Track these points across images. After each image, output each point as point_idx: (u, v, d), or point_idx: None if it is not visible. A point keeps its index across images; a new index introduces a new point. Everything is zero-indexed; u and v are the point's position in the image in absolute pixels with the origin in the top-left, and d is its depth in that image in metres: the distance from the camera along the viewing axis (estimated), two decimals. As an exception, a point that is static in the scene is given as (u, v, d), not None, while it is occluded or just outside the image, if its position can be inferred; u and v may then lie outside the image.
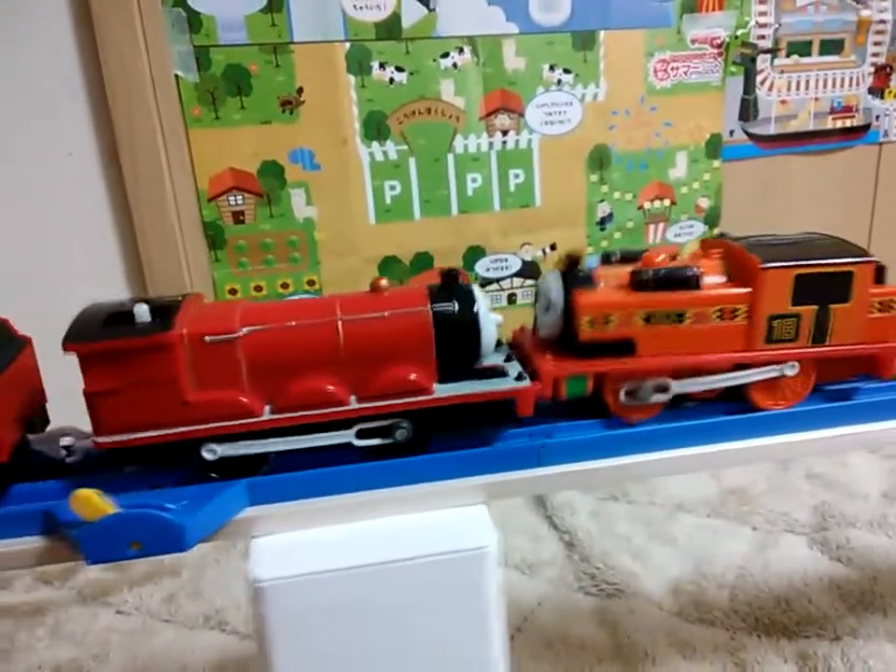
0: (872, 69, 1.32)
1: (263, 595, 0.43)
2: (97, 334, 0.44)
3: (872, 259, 0.52)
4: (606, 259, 0.56)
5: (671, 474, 0.53)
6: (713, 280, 0.52)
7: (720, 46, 1.23)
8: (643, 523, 1.03)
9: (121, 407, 0.45)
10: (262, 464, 0.48)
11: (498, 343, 0.53)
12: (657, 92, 1.22)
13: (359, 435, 0.48)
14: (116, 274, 1.11)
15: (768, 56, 1.26)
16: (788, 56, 1.27)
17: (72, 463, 0.50)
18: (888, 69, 1.33)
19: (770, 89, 1.28)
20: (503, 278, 1.26)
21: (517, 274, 1.26)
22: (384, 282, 0.49)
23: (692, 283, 0.51)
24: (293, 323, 0.47)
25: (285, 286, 1.16)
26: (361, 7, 1.07)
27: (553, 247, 1.26)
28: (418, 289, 0.49)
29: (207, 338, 0.45)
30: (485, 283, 1.25)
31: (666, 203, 1.29)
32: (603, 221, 1.27)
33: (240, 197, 1.11)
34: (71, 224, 1.07)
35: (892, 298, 0.52)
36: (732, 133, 1.29)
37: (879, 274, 0.52)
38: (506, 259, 1.25)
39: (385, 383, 0.47)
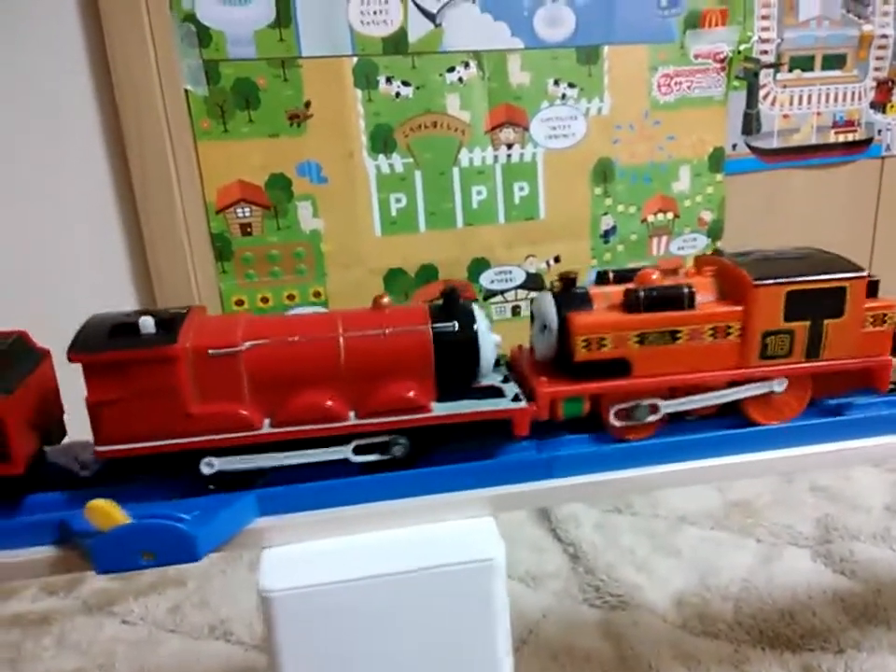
0: (874, 84, 1.33)
1: (273, 605, 0.44)
2: (102, 345, 0.44)
3: (864, 273, 0.52)
4: (601, 277, 0.56)
5: (678, 486, 0.53)
6: (706, 298, 0.52)
7: (723, 60, 1.24)
8: (647, 535, 1.03)
9: (124, 417, 0.45)
10: (260, 476, 0.48)
11: (497, 362, 0.54)
12: (661, 107, 1.23)
13: (357, 451, 0.49)
14: (124, 286, 1.12)
15: (771, 71, 1.27)
16: (790, 71, 1.29)
17: (86, 476, 0.51)
18: (889, 84, 1.34)
19: (773, 103, 1.30)
20: (507, 290, 1.27)
21: (521, 286, 1.27)
22: (385, 299, 0.50)
23: (684, 302, 0.51)
24: (295, 338, 0.47)
25: (291, 297, 1.17)
26: (368, 23, 1.09)
27: (556, 260, 1.27)
28: (419, 308, 0.50)
29: (210, 351, 0.46)
30: (490, 295, 1.26)
31: (670, 216, 1.30)
32: (607, 234, 1.28)
33: (247, 209, 1.12)
34: (81, 235, 1.08)
35: (886, 312, 0.53)
36: (735, 146, 1.30)
37: (872, 288, 0.53)
38: (510, 272, 1.26)
39: (383, 399, 0.48)
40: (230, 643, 0.87)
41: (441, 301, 0.51)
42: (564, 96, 1.19)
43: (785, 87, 1.29)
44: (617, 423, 0.52)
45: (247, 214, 1.12)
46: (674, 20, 1.20)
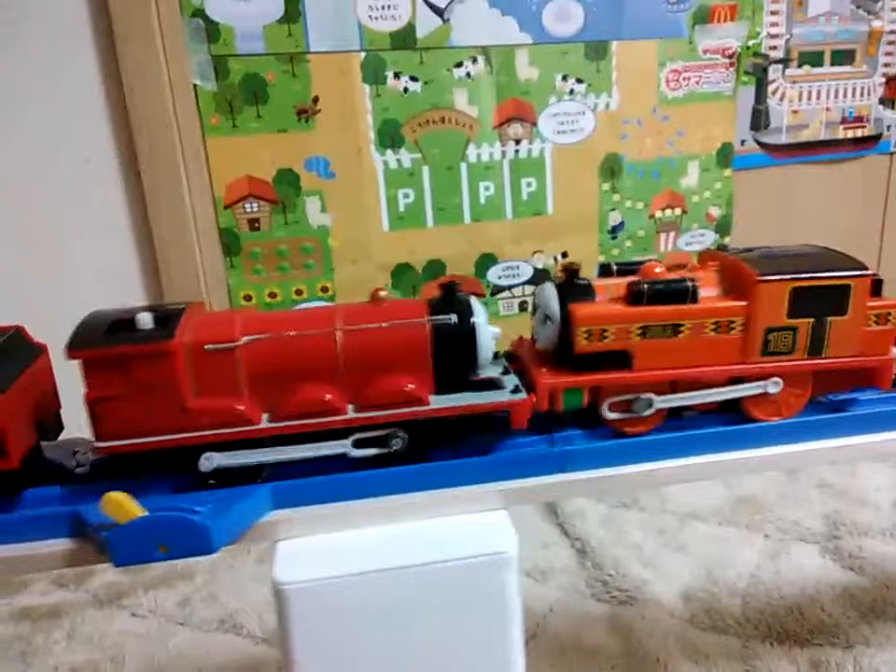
0: (883, 79, 1.33)
1: (287, 598, 0.44)
2: (100, 341, 0.45)
3: (869, 272, 0.52)
4: (604, 270, 0.56)
5: (695, 481, 0.53)
6: (709, 293, 0.52)
7: (731, 56, 1.24)
8: (655, 530, 1.03)
9: (122, 413, 0.45)
10: (260, 471, 0.48)
11: (497, 355, 0.53)
12: (669, 102, 1.23)
13: (356, 444, 0.49)
14: (134, 281, 1.12)
15: (780, 66, 1.27)
16: (799, 66, 1.28)
17: (81, 473, 0.50)
18: (899, 79, 1.33)
19: (781, 99, 1.29)
20: (515, 286, 1.27)
21: (529, 282, 1.27)
22: (383, 292, 0.50)
23: (687, 296, 0.51)
24: (292, 333, 0.47)
25: (299, 292, 1.17)
26: (376, 18, 1.09)
27: (564, 255, 1.27)
28: (417, 301, 0.50)
29: (207, 346, 0.46)
30: (497, 290, 1.26)
31: (678, 211, 1.30)
32: (614, 230, 1.28)
33: (255, 204, 1.12)
34: (90, 230, 1.09)
35: (889, 310, 0.52)
36: (743, 142, 1.29)
37: (876, 287, 0.53)
38: (518, 267, 1.26)
39: (381, 393, 0.48)
40: (239, 636, 0.87)
41: (439, 295, 0.51)
42: (572, 91, 1.19)
43: (794, 82, 1.29)
44: (613, 415, 0.52)
45: (255, 209, 1.12)
46: (682, 15, 1.20)
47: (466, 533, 0.47)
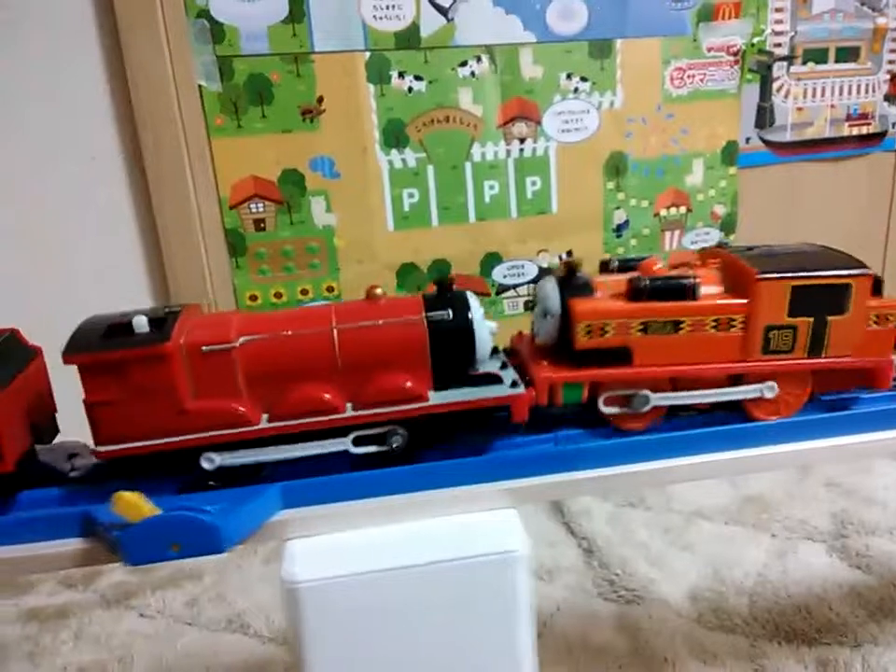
0: (888, 76, 1.33)
1: (298, 596, 0.44)
2: (96, 345, 0.45)
3: (869, 271, 0.51)
4: (604, 266, 0.56)
5: (707, 478, 0.53)
6: (710, 290, 0.52)
7: (736, 53, 1.24)
8: (661, 529, 1.03)
9: (121, 417, 0.45)
10: (260, 470, 0.49)
11: (495, 350, 0.53)
12: (673, 100, 1.23)
13: (356, 442, 0.48)
14: (140, 282, 1.12)
15: (784, 63, 1.27)
16: (804, 63, 1.28)
17: (76, 477, 0.51)
18: (904, 76, 1.33)
19: (786, 96, 1.29)
20: (520, 285, 1.26)
21: (534, 281, 1.26)
22: (378, 290, 0.50)
23: (688, 293, 0.51)
24: (289, 332, 0.47)
25: (304, 292, 1.18)
26: (381, 18, 1.09)
27: (569, 254, 1.27)
28: (413, 298, 0.50)
29: (204, 348, 0.46)
30: (502, 289, 1.26)
31: (682, 210, 1.29)
32: (619, 228, 1.27)
33: (261, 205, 1.12)
34: (96, 231, 1.09)
35: (889, 310, 0.52)
36: (748, 140, 1.29)
37: (877, 287, 0.52)
38: (522, 266, 1.26)
39: (379, 390, 0.48)
40: (247, 636, 0.87)
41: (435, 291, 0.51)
42: (576, 90, 1.19)
43: (799, 80, 1.28)
44: (610, 410, 0.52)
45: (261, 209, 1.12)
46: (687, 13, 1.20)
47: (476, 532, 0.47)
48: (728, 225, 1.32)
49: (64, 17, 1.00)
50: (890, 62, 1.32)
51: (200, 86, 1.05)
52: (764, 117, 1.29)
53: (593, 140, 1.22)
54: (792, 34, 1.26)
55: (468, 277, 1.23)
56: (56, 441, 0.52)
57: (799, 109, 1.30)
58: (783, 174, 1.32)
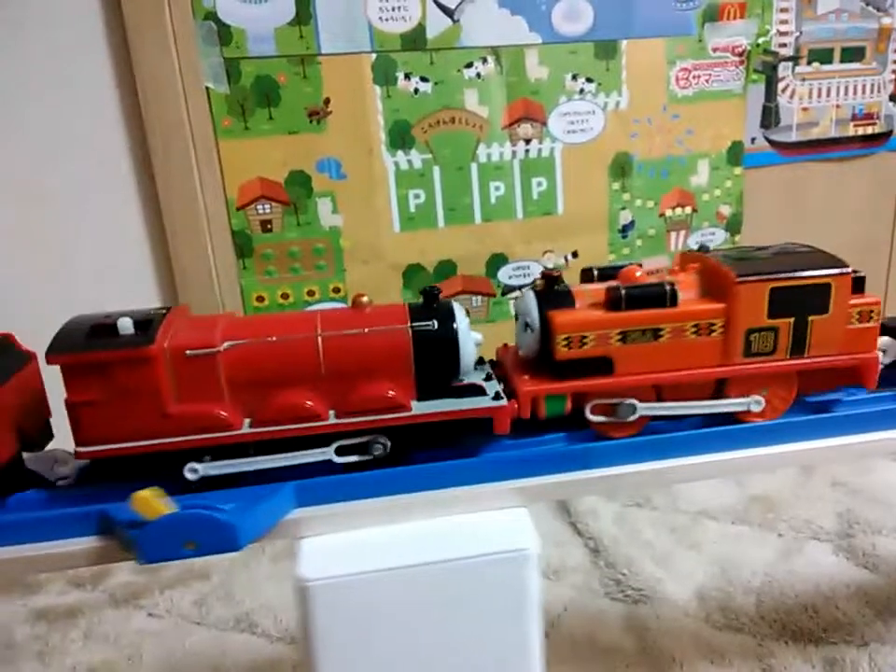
0: (893, 76, 1.33)
1: (309, 595, 0.44)
2: (80, 346, 0.44)
3: (849, 269, 0.51)
4: (586, 275, 0.56)
5: (715, 478, 0.54)
6: (689, 295, 0.52)
7: (741, 54, 1.24)
8: (668, 529, 1.03)
9: (103, 418, 0.45)
10: (243, 475, 0.48)
11: (480, 361, 0.54)
12: (679, 100, 1.23)
13: (339, 452, 0.48)
14: (147, 283, 1.13)
15: (789, 64, 1.27)
16: (809, 64, 1.28)
17: (63, 486, 0.50)
18: (909, 76, 1.33)
19: (791, 96, 1.29)
20: (525, 286, 1.27)
21: (539, 282, 1.27)
22: (364, 298, 0.50)
23: (666, 299, 0.51)
24: (273, 338, 0.47)
25: (311, 293, 1.18)
26: (387, 19, 1.09)
27: (575, 255, 1.27)
28: (398, 306, 0.50)
29: (188, 352, 0.45)
30: (508, 290, 1.26)
31: (688, 210, 1.30)
32: (625, 229, 1.28)
33: (268, 206, 1.13)
34: (104, 232, 1.09)
35: (872, 308, 0.52)
36: (753, 140, 1.29)
37: (858, 285, 0.52)
38: (528, 267, 1.26)
39: (363, 399, 0.48)
40: (255, 635, 0.87)
41: (420, 301, 0.51)
42: (582, 91, 1.19)
43: (804, 80, 1.28)
44: (598, 419, 0.52)
45: (268, 210, 1.13)
46: (692, 13, 1.20)
47: (487, 530, 0.48)
48: (733, 225, 1.33)
49: (73, 19, 1.01)
50: (896, 62, 1.32)
51: (207, 88, 1.06)
52: (770, 117, 1.29)
53: (598, 141, 1.22)
54: (797, 34, 1.26)
55: (473, 278, 1.24)
56: (49, 447, 0.52)
57: (804, 109, 1.30)
58: (788, 174, 1.33)
